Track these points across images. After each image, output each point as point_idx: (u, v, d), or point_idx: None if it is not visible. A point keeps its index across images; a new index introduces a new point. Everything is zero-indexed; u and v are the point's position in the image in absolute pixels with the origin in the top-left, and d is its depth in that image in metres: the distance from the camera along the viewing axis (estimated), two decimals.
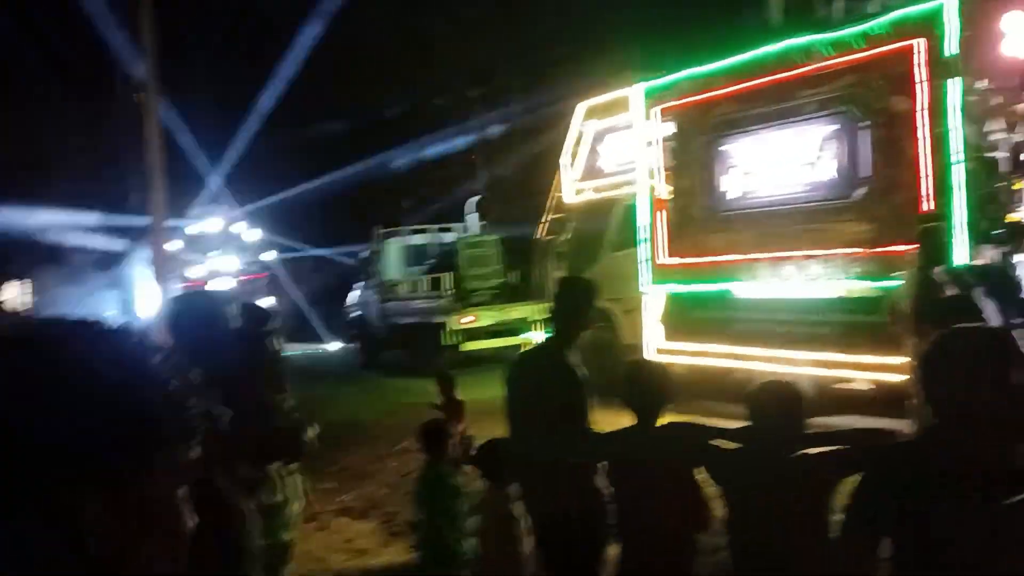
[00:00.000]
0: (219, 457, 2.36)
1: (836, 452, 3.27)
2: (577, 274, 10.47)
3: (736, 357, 10.02)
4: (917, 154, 8.20)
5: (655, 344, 11.08)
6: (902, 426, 6.46)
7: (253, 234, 26.63)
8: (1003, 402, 2.31)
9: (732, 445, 3.51)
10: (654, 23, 18.61)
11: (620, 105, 11.91)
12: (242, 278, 25.18)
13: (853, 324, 8.89)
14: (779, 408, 3.30)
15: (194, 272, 24.18)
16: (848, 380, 9.30)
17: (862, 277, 8.76)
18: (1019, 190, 7.88)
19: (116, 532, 0.92)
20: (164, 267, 9.98)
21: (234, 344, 3.11)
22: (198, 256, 24.90)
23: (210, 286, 22.18)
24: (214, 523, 2.22)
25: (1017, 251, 7.22)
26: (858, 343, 8.71)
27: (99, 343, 0.99)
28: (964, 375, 2.35)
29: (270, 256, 27.34)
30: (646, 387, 3.88)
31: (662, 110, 11.07)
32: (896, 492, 2.42)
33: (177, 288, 11.27)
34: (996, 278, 7.00)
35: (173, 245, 10.09)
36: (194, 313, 3.14)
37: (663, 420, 3.87)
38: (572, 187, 13.06)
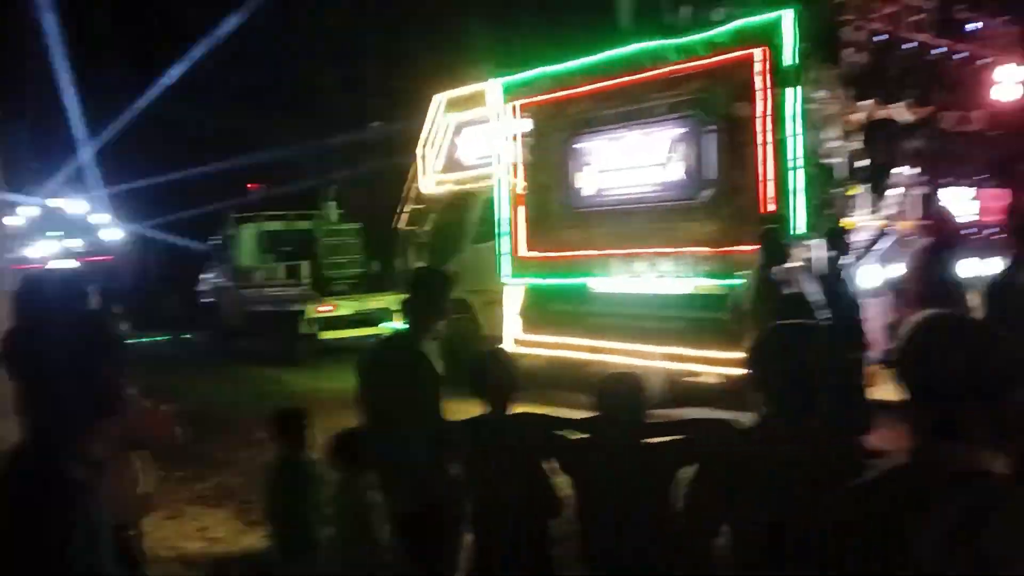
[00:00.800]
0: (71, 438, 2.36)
1: (676, 442, 3.46)
2: (440, 265, 10.57)
3: (592, 350, 10.27)
4: (758, 159, 8.62)
5: (514, 336, 11.29)
6: (745, 418, 6.80)
7: (100, 216, 25.53)
8: (826, 391, 2.54)
9: (579, 435, 3.67)
10: (510, 18, 18.75)
11: (479, 99, 12.00)
12: (84, 260, 24.05)
13: (700, 320, 9.25)
14: (623, 399, 3.47)
15: (33, 252, 23.02)
16: (697, 374, 9.67)
17: (708, 275, 9.16)
18: (853, 196, 8.41)
19: None
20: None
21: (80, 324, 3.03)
22: (39, 235, 23.71)
23: (49, 267, 21.14)
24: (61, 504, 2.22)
25: (845, 253, 7.69)
26: (705, 338, 9.08)
27: None
28: (790, 366, 2.56)
29: (117, 239, 26.28)
30: (494, 376, 3.98)
31: (520, 106, 11.24)
32: (731, 480, 2.60)
33: (10, 268, 10.72)
34: (829, 278, 7.46)
35: (13, 221, 9.59)
36: (46, 293, 3.07)
37: (515, 410, 4.00)
38: (433, 178, 13.10)
